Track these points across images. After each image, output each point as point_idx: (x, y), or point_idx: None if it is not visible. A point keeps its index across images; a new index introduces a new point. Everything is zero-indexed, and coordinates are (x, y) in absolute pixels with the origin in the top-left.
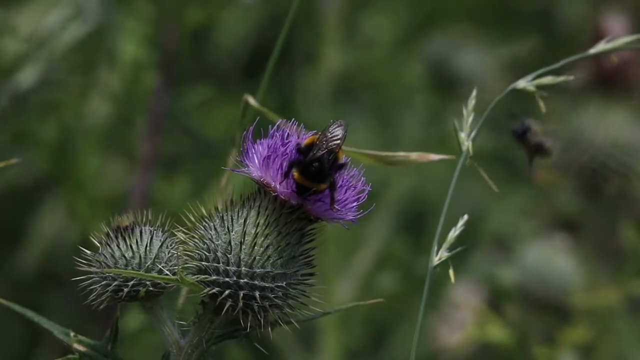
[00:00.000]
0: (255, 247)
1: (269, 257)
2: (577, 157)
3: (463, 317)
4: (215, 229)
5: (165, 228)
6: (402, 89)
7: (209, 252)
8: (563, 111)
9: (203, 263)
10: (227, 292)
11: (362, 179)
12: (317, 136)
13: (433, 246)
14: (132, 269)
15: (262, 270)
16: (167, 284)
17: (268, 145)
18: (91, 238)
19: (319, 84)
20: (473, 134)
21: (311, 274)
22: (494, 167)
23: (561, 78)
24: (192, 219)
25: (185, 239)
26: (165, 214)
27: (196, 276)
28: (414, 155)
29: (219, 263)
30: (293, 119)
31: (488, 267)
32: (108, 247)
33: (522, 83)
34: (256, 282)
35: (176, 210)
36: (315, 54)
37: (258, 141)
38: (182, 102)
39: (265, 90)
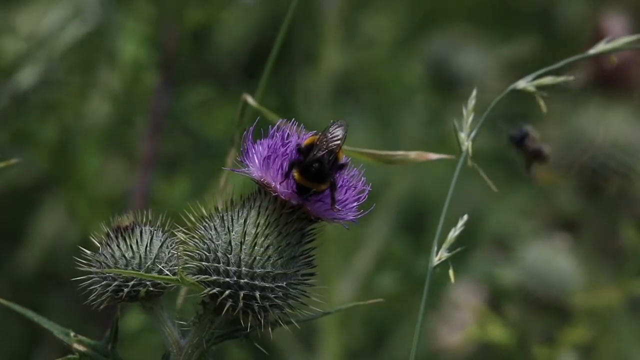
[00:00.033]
0: (256, 247)
1: (269, 257)
2: (578, 157)
3: (463, 317)
4: (215, 229)
5: (166, 228)
6: (402, 89)
7: (209, 252)
8: (563, 111)
9: (203, 263)
10: (227, 292)
11: (362, 179)
12: (318, 136)
13: (433, 246)
14: (133, 269)
15: (262, 270)
16: (167, 284)
17: (268, 146)
18: (91, 238)
19: (319, 84)
20: (473, 134)
21: (311, 274)
22: (494, 167)
23: (561, 78)
24: (192, 219)
25: (185, 239)
26: (166, 214)
27: (196, 276)
28: (412, 155)
29: (219, 263)
30: (293, 119)
31: (488, 267)
32: (108, 247)
33: (522, 83)
34: (256, 282)
35: (176, 211)
36: (315, 54)
37: (258, 141)
38: (182, 102)
39: (265, 90)
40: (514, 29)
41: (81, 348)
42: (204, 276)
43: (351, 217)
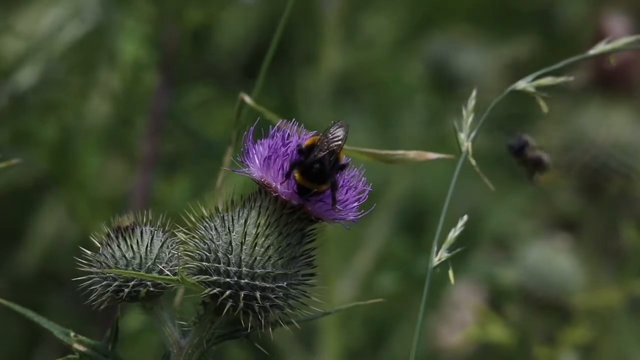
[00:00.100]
0: (256, 248)
1: (269, 257)
2: (579, 157)
3: (463, 317)
4: (215, 229)
5: (166, 228)
6: (402, 89)
7: (210, 253)
8: (564, 111)
9: (204, 263)
10: (227, 292)
11: (363, 179)
12: (318, 137)
13: (433, 247)
14: (133, 269)
15: (262, 270)
16: (167, 284)
17: (269, 146)
18: (91, 238)
19: (319, 84)
20: (473, 134)
21: (312, 274)
22: (494, 167)
23: (561, 79)
24: (193, 219)
25: (185, 239)
26: (166, 214)
27: (197, 276)
28: (412, 154)
29: (219, 263)
30: (293, 119)
31: (488, 267)
32: (108, 247)
33: (522, 84)
34: (257, 283)
35: (176, 211)
36: (315, 54)
37: (259, 141)
38: (182, 102)
39: (265, 90)
40: (514, 29)
41: (81, 348)
42: (204, 276)
43: (352, 217)
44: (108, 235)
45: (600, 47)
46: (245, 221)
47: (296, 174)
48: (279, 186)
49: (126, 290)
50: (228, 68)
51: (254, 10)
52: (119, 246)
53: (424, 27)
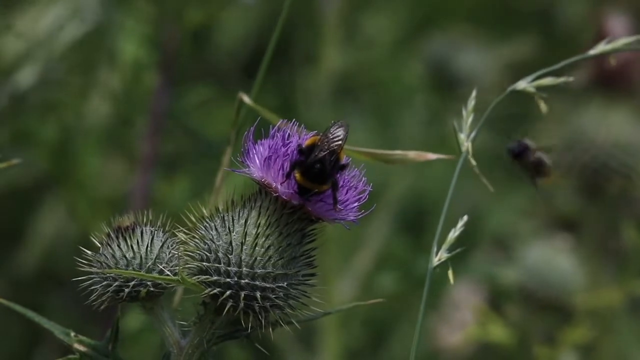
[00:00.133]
0: (257, 248)
1: (270, 257)
2: (579, 157)
3: (463, 317)
4: (216, 229)
5: (166, 228)
6: (402, 89)
7: (210, 253)
8: (564, 111)
9: (204, 263)
10: (228, 292)
11: (363, 179)
12: (319, 137)
13: (433, 247)
14: (133, 269)
15: (263, 270)
16: (168, 284)
17: (269, 146)
18: (92, 238)
19: (319, 84)
20: (473, 134)
21: (312, 275)
22: (494, 168)
23: (561, 79)
24: (193, 219)
25: (186, 239)
26: (166, 215)
27: (197, 277)
28: (411, 154)
29: (220, 263)
30: (294, 119)
31: (488, 267)
32: (109, 247)
33: (522, 84)
34: (257, 283)
35: (176, 211)
36: (315, 54)
37: (259, 141)
38: (182, 102)
39: (265, 90)
40: (514, 29)
41: (82, 348)
42: (204, 276)
43: (352, 218)
44: (108, 235)
45: (601, 48)
46: (246, 221)
47: (297, 174)
48: (279, 186)
49: (126, 290)
50: (228, 68)
51: (254, 10)
52: (119, 246)
53: (424, 27)
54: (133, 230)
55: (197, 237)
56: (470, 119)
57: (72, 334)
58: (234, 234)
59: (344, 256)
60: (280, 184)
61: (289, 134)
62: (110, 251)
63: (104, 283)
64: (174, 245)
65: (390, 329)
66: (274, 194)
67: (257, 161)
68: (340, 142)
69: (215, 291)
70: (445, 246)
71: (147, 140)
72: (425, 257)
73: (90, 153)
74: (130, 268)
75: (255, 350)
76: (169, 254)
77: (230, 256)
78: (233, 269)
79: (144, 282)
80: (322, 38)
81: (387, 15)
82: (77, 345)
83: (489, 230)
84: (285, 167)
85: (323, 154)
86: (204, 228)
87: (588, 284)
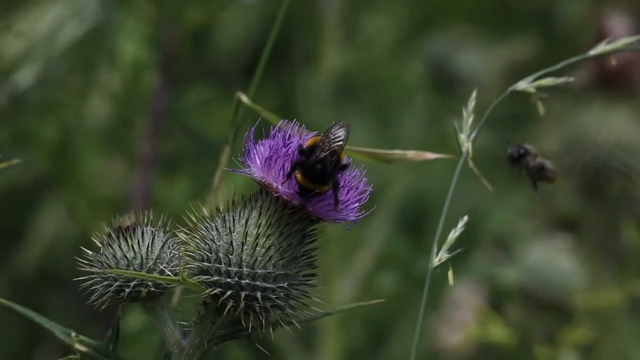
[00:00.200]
0: (257, 248)
1: (270, 257)
2: (580, 157)
3: (463, 317)
4: (216, 229)
5: (167, 228)
6: (402, 89)
7: (211, 253)
8: (565, 111)
9: (205, 264)
10: (228, 292)
11: (364, 179)
12: (320, 137)
13: (433, 247)
14: (134, 269)
15: (263, 271)
16: (169, 284)
17: (270, 146)
18: (92, 238)
19: (319, 84)
20: (473, 135)
21: (313, 275)
22: (494, 168)
23: (561, 79)
24: (194, 219)
25: (186, 239)
26: (167, 215)
27: (198, 277)
28: (410, 154)
29: (220, 264)
30: (294, 120)
31: (488, 267)
32: (110, 247)
33: (522, 84)
34: (258, 283)
35: (177, 211)
36: (315, 54)
37: (259, 141)
38: (182, 102)
39: (263, 90)
40: (514, 29)
41: (82, 348)
42: (205, 277)
43: (353, 218)
44: (109, 236)
45: (601, 48)
46: (246, 221)
47: (298, 175)
48: (280, 186)
49: (127, 290)
50: (228, 68)
51: (254, 10)
52: (120, 246)
53: (424, 27)
54: (134, 230)
55: (197, 237)
56: (470, 120)
57: (73, 334)
58: (235, 234)
59: (344, 256)
60: (281, 184)
61: (289, 134)
62: (111, 251)
63: (104, 283)
64: (175, 246)
65: (390, 329)
66: (275, 194)
67: (258, 161)
68: (341, 142)
69: (216, 291)
70: (445, 246)
71: (147, 140)
72: (425, 257)
73: (90, 153)
74: (131, 268)
75: (255, 351)
76: (169, 254)
77: (231, 256)
78: (234, 269)
79: (144, 282)
80: (322, 38)
81: (387, 15)
82: (77, 346)
83: (489, 231)
84: (286, 167)
85: (324, 154)
86: (204, 228)
87: (588, 284)
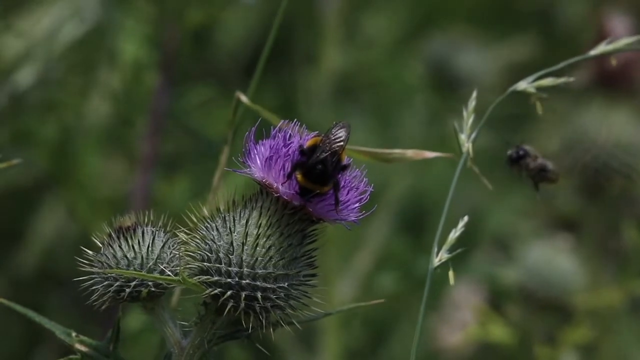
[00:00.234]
0: (257, 248)
1: (270, 258)
2: (580, 157)
3: (463, 317)
4: (217, 229)
5: (167, 229)
6: (402, 89)
7: (211, 253)
8: (566, 111)
9: (205, 264)
10: (229, 292)
11: (364, 180)
12: (320, 138)
13: (433, 247)
14: (135, 269)
15: (264, 271)
16: (169, 284)
17: (270, 146)
18: (93, 238)
19: (319, 84)
20: (473, 135)
21: (313, 275)
22: (494, 168)
23: (562, 79)
24: (194, 219)
25: (187, 239)
26: (167, 215)
27: (198, 277)
28: (409, 153)
29: (221, 264)
30: (295, 120)
31: (488, 267)
32: (110, 247)
33: (523, 85)
34: (258, 283)
35: (177, 211)
36: (316, 54)
37: (260, 142)
38: (182, 102)
39: (262, 89)
40: (514, 29)
41: (83, 348)
42: (205, 277)
43: (353, 218)
44: (109, 236)
45: (601, 48)
46: (247, 222)
47: (298, 175)
48: (280, 187)
49: (127, 290)
50: (228, 68)
51: (254, 10)
52: (120, 246)
53: (424, 27)
54: (134, 230)
55: (198, 237)
56: (470, 120)
57: (73, 334)
58: (235, 234)
59: (344, 256)
60: (282, 184)
61: (290, 134)
62: (112, 251)
63: (105, 283)
64: (175, 246)
65: (390, 329)
66: (275, 195)
67: (258, 161)
68: (342, 143)
69: (216, 291)
70: (445, 246)
71: (147, 140)
72: (425, 257)
73: (90, 153)
74: (132, 268)
75: (256, 351)
76: (170, 254)
77: (231, 256)
78: (234, 269)
79: (145, 282)
80: (322, 38)
81: (387, 15)
82: (78, 346)
83: (489, 231)
84: (286, 167)
85: (325, 155)
86: (204, 228)
87: (588, 284)
